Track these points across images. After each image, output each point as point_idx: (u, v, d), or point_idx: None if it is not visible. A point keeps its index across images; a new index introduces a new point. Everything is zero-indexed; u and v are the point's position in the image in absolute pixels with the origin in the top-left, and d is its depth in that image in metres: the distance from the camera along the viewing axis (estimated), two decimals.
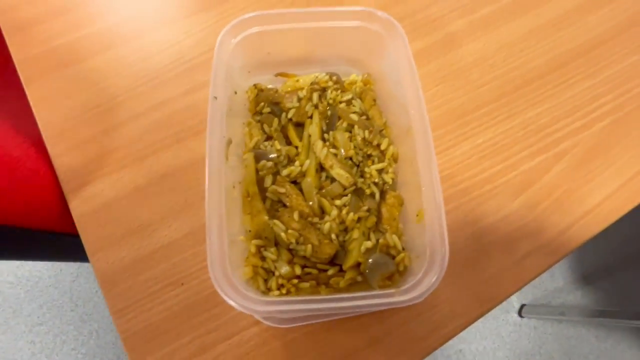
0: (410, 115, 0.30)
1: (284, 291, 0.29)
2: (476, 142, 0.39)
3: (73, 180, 0.36)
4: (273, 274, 0.29)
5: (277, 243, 0.30)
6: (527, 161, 0.38)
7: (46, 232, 0.42)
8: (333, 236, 0.30)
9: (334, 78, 0.36)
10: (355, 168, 0.33)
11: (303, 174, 0.32)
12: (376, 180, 0.32)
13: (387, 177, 0.33)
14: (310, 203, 0.31)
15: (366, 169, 0.33)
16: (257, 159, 0.32)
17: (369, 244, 0.30)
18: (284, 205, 0.31)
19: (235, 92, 0.35)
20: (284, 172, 0.32)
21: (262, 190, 0.32)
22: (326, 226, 0.30)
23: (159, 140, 0.38)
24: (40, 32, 0.44)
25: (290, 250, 0.30)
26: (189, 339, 0.31)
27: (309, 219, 0.30)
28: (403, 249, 0.30)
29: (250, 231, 0.30)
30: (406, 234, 0.31)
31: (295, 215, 0.30)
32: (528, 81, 0.42)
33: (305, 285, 0.29)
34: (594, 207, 0.37)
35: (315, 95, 0.35)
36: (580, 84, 0.42)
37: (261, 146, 0.33)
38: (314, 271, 0.30)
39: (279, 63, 0.37)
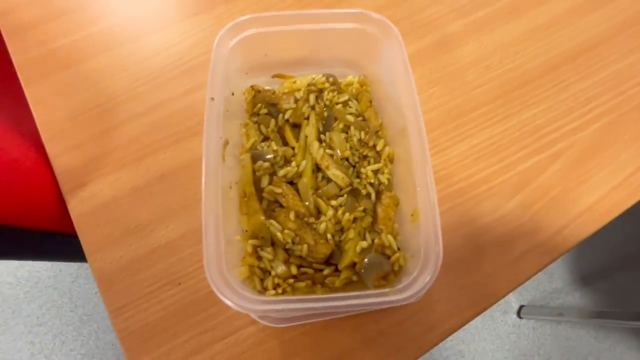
0: (405, 116, 0.30)
1: (280, 291, 0.29)
2: (472, 143, 0.39)
3: (71, 181, 0.37)
4: (269, 273, 0.29)
5: (273, 243, 0.30)
6: (522, 162, 0.39)
7: (45, 232, 0.42)
8: (329, 236, 0.30)
9: (331, 79, 0.37)
10: (351, 169, 0.33)
11: (299, 175, 0.33)
12: (372, 180, 0.33)
13: (383, 178, 0.33)
14: (307, 203, 0.31)
15: (362, 170, 0.33)
16: (254, 159, 0.32)
17: (364, 244, 0.30)
18: (281, 206, 0.32)
19: (233, 94, 0.35)
20: (281, 172, 0.32)
21: (259, 190, 0.32)
22: (322, 226, 0.30)
23: (157, 140, 0.39)
24: (39, 34, 0.44)
25: (286, 250, 0.30)
26: (186, 338, 0.31)
27: (305, 219, 0.31)
28: (398, 248, 0.30)
29: (246, 231, 0.30)
30: (402, 233, 0.31)
31: (292, 216, 0.30)
32: (523, 83, 0.43)
33: (301, 284, 0.29)
34: (589, 208, 0.37)
35: (312, 97, 0.35)
36: (575, 86, 0.43)
37: (258, 147, 0.34)
38: (310, 271, 0.30)
39: (276, 65, 0.38)
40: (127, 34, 0.44)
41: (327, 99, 0.36)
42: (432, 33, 0.45)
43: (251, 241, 0.30)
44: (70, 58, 0.43)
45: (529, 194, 0.37)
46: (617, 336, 0.97)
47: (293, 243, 0.30)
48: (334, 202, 0.32)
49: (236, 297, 0.24)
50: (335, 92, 0.36)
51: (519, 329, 0.97)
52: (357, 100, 0.37)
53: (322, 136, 0.34)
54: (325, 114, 0.35)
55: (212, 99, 0.30)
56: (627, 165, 0.39)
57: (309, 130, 0.34)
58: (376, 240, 0.30)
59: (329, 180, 0.32)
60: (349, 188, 0.32)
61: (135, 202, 0.36)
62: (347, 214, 0.31)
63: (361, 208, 0.31)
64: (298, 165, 0.33)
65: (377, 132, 0.34)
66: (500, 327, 0.97)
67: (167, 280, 0.33)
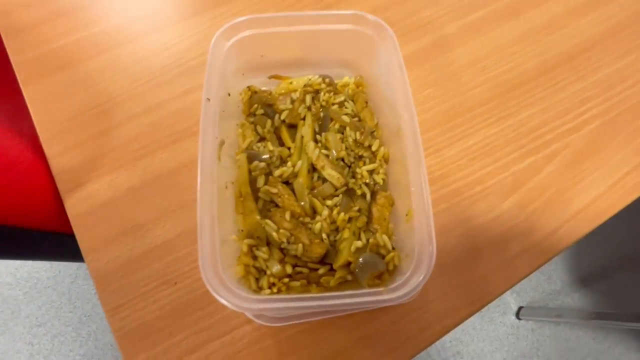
0: (400, 116, 0.30)
1: (275, 290, 0.29)
2: (467, 144, 0.40)
3: (69, 181, 0.37)
4: (264, 273, 0.30)
5: (268, 242, 0.31)
6: (517, 162, 0.39)
7: (43, 232, 0.42)
8: (324, 236, 0.30)
9: (327, 80, 0.37)
10: (346, 169, 0.33)
11: (295, 175, 0.33)
12: (367, 180, 0.33)
13: (378, 178, 0.33)
14: (302, 203, 0.31)
15: (357, 170, 0.33)
16: (250, 159, 0.33)
17: (359, 243, 0.30)
18: (276, 206, 0.32)
19: (229, 94, 0.35)
20: (277, 172, 0.32)
21: (255, 190, 0.32)
22: (317, 226, 0.31)
23: (154, 141, 0.39)
24: (37, 35, 0.44)
25: (281, 250, 0.30)
26: (182, 337, 0.31)
27: (301, 218, 0.31)
28: (393, 248, 0.30)
29: (242, 231, 0.31)
30: (396, 233, 0.31)
31: (287, 215, 0.30)
32: (519, 84, 0.43)
33: (296, 284, 0.29)
34: (584, 208, 0.37)
35: (308, 97, 0.36)
36: (569, 87, 0.43)
37: (254, 147, 0.34)
38: (305, 270, 0.30)
39: (273, 65, 0.38)
40: (125, 35, 0.45)
41: (323, 100, 0.36)
42: (429, 34, 0.46)
43: (247, 241, 0.30)
44: (68, 59, 0.43)
45: (524, 194, 0.38)
46: (615, 337, 0.97)
47: (288, 242, 0.30)
48: (329, 202, 0.32)
49: (231, 296, 0.24)
50: (332, 93, 0.37)
51: (517, 330, 0.97)
52: (353, 101, 0.37)
53: (318, 137, 0.35)
54: (321, 114, 0.35)
55: (209, 99, 0.30)
56: (621, 166, 0.39)
57: (305, 130, 0.34)
58: (371, 240, 0.30)
59: (324, 180, 0.33)
60: (344, 188, 0.32)
61: (132, 202, 0.36)
62: (342, 214, 0.31)
63: (356, 208, 0.31)
64: (294, 166, 0.33)
65: (372, 132, 0.34)
66: (499, 328, 0.97)
67: (164, 279, 0.33)
